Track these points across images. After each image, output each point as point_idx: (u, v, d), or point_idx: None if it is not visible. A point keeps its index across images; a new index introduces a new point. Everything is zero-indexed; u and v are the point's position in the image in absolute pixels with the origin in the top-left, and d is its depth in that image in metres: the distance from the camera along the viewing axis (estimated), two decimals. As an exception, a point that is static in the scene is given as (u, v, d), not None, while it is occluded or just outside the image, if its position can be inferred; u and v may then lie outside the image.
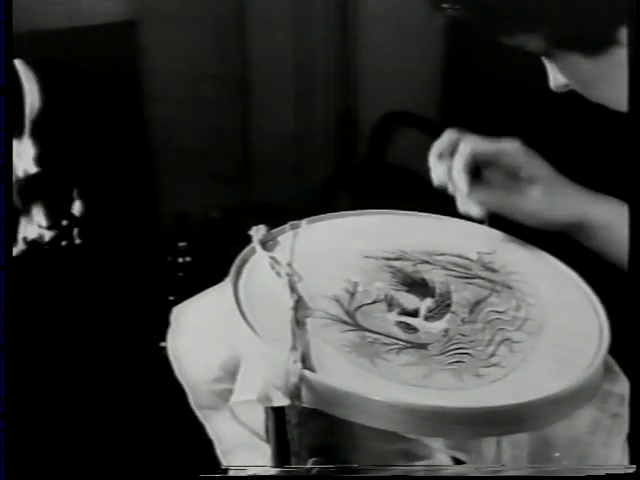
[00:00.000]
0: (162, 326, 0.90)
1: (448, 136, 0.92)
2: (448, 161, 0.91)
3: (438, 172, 0.92)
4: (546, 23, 0.85)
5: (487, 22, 0.87)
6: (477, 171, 0.91)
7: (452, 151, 0.91)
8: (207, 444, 0.90)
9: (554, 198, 0.89)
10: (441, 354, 0.78)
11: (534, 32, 0.85)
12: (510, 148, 0.90)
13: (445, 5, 0.86)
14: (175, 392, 0.88)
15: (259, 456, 0.87)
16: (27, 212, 1.52)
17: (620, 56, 0.85)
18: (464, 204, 0.93)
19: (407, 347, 0.78)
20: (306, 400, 0.74)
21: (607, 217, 0.88)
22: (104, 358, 1.40)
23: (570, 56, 0.87)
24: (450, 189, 0.93)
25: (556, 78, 0.90)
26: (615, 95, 0.88)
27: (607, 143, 1.09)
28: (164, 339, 0.89)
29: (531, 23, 0.85)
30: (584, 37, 0.85)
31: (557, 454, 0.78)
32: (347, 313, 0.81)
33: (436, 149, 0.92)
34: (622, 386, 0.81)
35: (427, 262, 0.89)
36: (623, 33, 0.84)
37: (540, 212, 0.90)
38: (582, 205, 0.89)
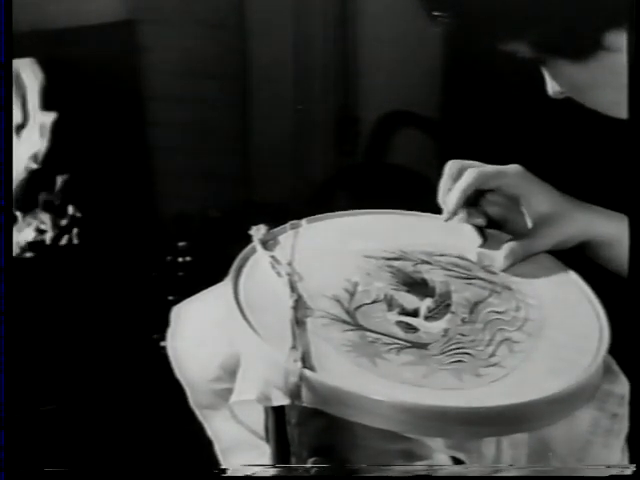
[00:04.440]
0: (162, 326, 0.90)
1: (451, 169, 0.93)
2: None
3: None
4: (531, 30, 0.85)
5: (477, 30, 0.87)
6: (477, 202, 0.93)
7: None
8: (206, 444, 0.90)
9: (556, 229, 0.90)
10: (441, 354, 0.78)
11: (521, 39, 0.86)
12: (512, 174, 0.91)
13: (436, 13, 0.87)
14: (174, 392, 0.88)
15: (258, 456, 0.87)
16: (27, 212, 1.52)
17: (609, 61, 0.86)
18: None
19: (407, 347, 0.78)
20: (306, 400, 0.74)
21: (613, 234, 0.89)
22: (104, 358, 1.40)
23: (559, 62, 0.87)
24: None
25: (552, 84, 0.91)
26: (607, 100, 0.88)
27: (605, 150, 1.09)
28: (164, 339, 0.89)
29: (518, 30, 0.86)
30: (570, 43, 0.85)
31: (560, 450, 0.78)
32: (347, 313, 0.81)
33: (444, 186, 0.93)
34: (622, 386, 0.81)
35: (427, 262, 0.89)
36: (610, 38, 0.85)
37: (543, 246, 0.91)
38: (587, 227, 0.90)
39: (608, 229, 0.89)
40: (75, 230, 1.52)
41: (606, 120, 0.90)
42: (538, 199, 0.90)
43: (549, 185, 0.91)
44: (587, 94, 0.89)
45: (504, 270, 0.90)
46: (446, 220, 0.92)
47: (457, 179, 0.92)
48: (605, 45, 0.85)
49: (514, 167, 0.91)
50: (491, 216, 0.94)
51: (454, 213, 0.91)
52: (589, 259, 0.92)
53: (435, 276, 0.87)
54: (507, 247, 0.90)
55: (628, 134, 0.88)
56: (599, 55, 0.85)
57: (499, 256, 0.90)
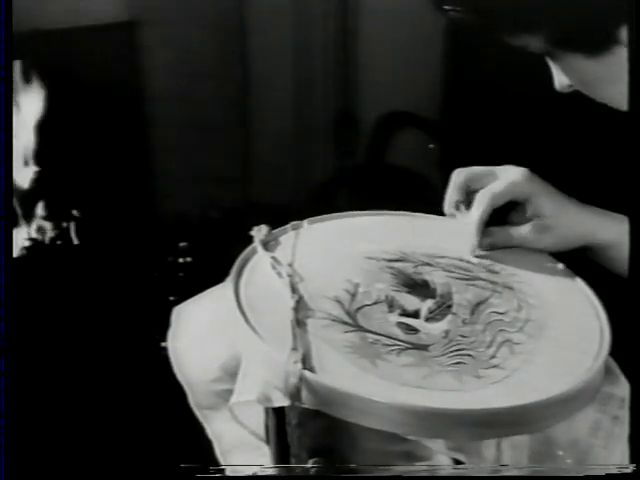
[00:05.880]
0: (163, 326, 0.90)
1: (457, 180, 0.92)
2: (465, 209, 0.92)
3: (462, 219, 0.93)
4: (547, 24, 0.85)
5: (489, 24, 0.86)
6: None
7: (466, 195, 0.92)
8: (206, 444, 0.90)
9: (560, 231, 0.90)
10: (442, 355, 0.78)
11: (536, 33, 0.85)
12: (517, 180, 0.90)
13: (447, 7, 0.86)
14: (175, 392, 0.88)
15: (258, 457, 0.87)
16: (28, 212, 1.52)
17: (623, 55, 0.85)
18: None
19: (408, 348, 0.78)
20: (306, 401, 0.74)
21: (614, 236, 0.89)
22: (105, 358, 1.40)
23: (573, 56, 0.86)
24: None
25: (560, 79, 0.90)
26: (619, 94, 0.88)
27: (610, 145, 1.09)
28: (164, 339, 0.89)
29: (532, 24, 0.85)
30: (586, 37, 0.84)
31: (560, 452, 0.78)
32: (348, 314, 0.81)
33: (450, 199, 0.93)
34: (623, 388, 0.81)
35: (428, 264, 0.89)
36: (625, 32, 0.84)
37: (546, 247, 0.91)
38: (589, 229, 0.90)
39: (609, 234, 0.89)
40: (76, 230, 1.53)
41: (610, 116, 0.90)
42: (541, 201, 0.90)
43: (553, 188, 0.91)
44: (599, 88, 0.88)
45: (481, 252, 0.90)
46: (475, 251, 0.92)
47: (463, 189, 0.92)
48: (620, 39, 0.84)
49: (520, 174, 0.91)
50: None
51: (480, 243, 0.91)
52: (590, 260, 0.92)
53: (436, 277, 0.87)
54: (490, 230, 0.91)
55: (629, 132, 0.88)
56: (614, 49, 0.85)
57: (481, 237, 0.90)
